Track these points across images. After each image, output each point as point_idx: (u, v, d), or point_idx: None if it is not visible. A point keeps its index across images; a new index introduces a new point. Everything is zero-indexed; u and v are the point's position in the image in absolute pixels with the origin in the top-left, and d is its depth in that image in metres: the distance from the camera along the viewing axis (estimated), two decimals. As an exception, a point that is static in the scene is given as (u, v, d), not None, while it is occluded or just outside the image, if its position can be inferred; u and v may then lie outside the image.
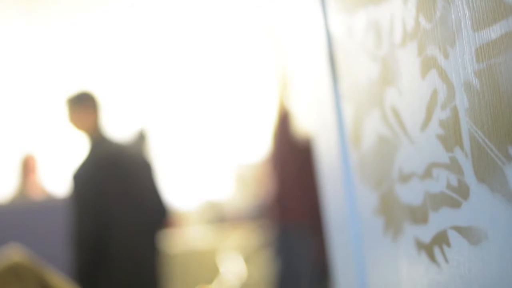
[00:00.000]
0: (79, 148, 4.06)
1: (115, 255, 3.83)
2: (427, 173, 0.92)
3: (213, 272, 5.01)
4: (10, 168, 6.27)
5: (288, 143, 4.11)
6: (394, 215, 1.05)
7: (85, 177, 3.85)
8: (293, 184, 4.11)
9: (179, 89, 7.54)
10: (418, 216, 0.97)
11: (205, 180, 7.05)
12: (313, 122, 1.33)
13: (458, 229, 0.86)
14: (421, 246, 0.97)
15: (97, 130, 3.96)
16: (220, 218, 6.25)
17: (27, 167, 5.92)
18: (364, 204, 1.15)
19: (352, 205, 1.19)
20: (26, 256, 2.93)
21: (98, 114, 3.97)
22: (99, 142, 3.93)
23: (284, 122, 4.15)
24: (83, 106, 3.95)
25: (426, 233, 0.95)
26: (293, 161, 4.11)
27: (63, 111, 3.99)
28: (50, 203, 5.00)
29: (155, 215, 4.09)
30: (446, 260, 0.91)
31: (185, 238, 5.77)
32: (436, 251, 0.93)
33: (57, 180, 6.14)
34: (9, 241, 3.77)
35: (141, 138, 4.07)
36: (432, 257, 0.94)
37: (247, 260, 4.91)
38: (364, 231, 1.17)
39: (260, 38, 6.80)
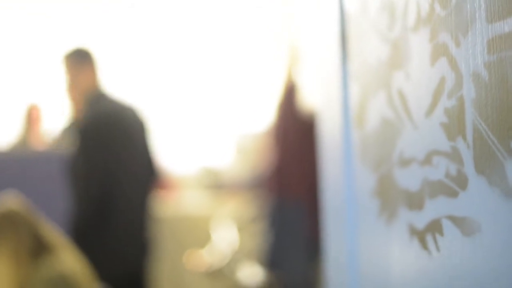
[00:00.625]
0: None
1: (112, 214, 3.84)
2: (427, 160, 0.92)
3: (205, 239, 5.03)
4: (14, 117, 6.27)
5: (292, 117, 4.11)
6: (390, 198, 1.05)
7: (88, 134, 3.85)
8: (293, 158, 4.11)
9: (186, 54, 7.51)
10: (414, 202, 0.97)
11: (205, 146, 7.05)
12: (318, 98, 1.32)
13: (452, 218, 0.86)
14: (414, 232, 0.97)
15: (96, 87, 3.94)
16: (217, 185, 6.25)
17: (31, 117, 5.92)
18: (361, 185, 1.15)
19: (350, 184, 1.19)
20: (22, 205, 2.94)
21: (96, 71, 3.96)
22: (99, 99, 3.92)
23: (290, 95, 4.14)
24: (81, 62, 3.94)
25: (420, 220, 0.95)
26: (296, 135, 4.10)
27: (61, 67, 3.96)
28: (51, 154, 5.01)
29: (147, 174, 4.10)
30: (438, 249, 0.91)
31: (180, 203, 5.78)
32: (429, 238, 0.93)
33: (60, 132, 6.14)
34: (8, 188, 3.79)
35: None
36: (424, 244, 0.95)
37: (240, 229, 4.92)
38: (359, 212, 1.17)
39: (271, 8, 6.77)
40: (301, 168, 4.08)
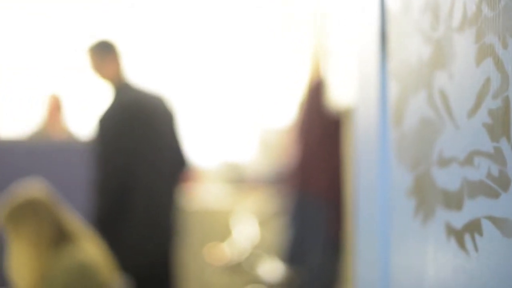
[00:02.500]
0: (105, 92, 4.08)
1: (133, 204, 3.86)
2: (468, 160, 0.92)
3: (226, 233, 5.03)
4: (35, 107, 6.29)
5: (316, 113, 4.10)
6: (427, 197, 1.05)
7: (109, 124, 3.88)
8: (316, 154, 4.11)
9: (210, 49, 7.51)
10: (453, 201, 0.97)
11: (228, 140, 7.04)
12: (356, 95, 1.32)
13: (493, 219, 0.86)
14: (451, 232, 0.97)
15: (120, 78, 3.98)
16: (239, 180, 6.25)
17: (52, 107, 5.94)
18: (397, 184, 1.15)
19: (385, 183, 1.19)
20: (45, 193, 2.96)
21: (120, 62, 4.00)
22: (123, 90, 3.96)
23: (315, 92, 4.13)
24: (105, 54, 3.97)
25: (459, 220, 0.95)
26: (320, 131, 4.10)
27: (86, 59, 4.00)
28: (72, 145, 5.03)
29: (174, 164, 4.11)
30: (476, 249, 0.91)
31: (202, 196, 5.79)
32: (467, 238, 0.93)
33: (82, 123, 6.17)
34: (29, 177, 3.81)
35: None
36: (461, 244, 0.94)
37: (261, 225, 4.92)
38: (393, 211, 1.17)
39: (298, 2, 6.74)
40: (324, 164, 4.07)
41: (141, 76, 4.21)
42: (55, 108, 5.96)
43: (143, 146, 3.91)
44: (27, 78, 7.18)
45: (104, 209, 3.81)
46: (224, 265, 4.51)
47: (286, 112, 5.83)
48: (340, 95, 3.64)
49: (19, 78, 6.80)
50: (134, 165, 3.86)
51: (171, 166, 4.08)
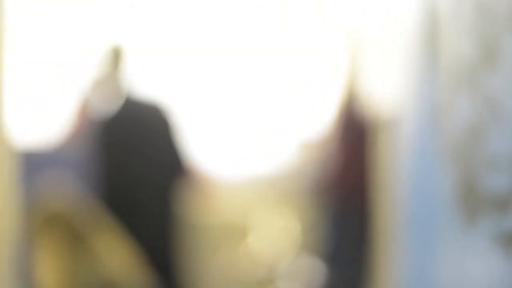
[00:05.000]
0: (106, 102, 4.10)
1: (130, 215, 3.88)
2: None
3: (251, 248, 5.02)
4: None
5: (353, 123, 4.10)
6: (474, 201, 1.03)
7: (109, 130, 3.94)
8: (355, 164, 4.09)
9: (245, 58, 7.44)
10: (502, 205, 0.94)
11: (257, 151, 6.98)
12: (401, 97, 1.31)
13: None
14: (499, 237, 0.95)
15: (125, 84, 4.01)
16: (272, 192, 6.20)
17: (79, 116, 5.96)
18: (441, 187, 1.13)
19: (429, 186, 1.17)
20: (65, 204, 2.96)
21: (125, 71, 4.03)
22: (129, 97, 3.98)
23: (351, 102, 4.13)
24: (123, 59, 4.00)
25: (508, 224, 0.93)
26: (356, 141, 4.09)
27: (106, 59, 4.00)
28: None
29: (169, 176, 4.10)
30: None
31: (228, 210, 5.74)
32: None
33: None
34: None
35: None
36: (508, 250, 0.92)
37: (297, 236, 4.93)
38: (437, 213, 1.15)
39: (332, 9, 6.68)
40: (362, 174, 4.04)
41: (165, 84, 4.22)
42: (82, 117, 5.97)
43: (129, 160, 3.94)
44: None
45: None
46: (247, 281, 4.52)
47: (319, 123, 5.78)
48: (379, 101, 3.62)
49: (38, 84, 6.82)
50: (120, 177, 3.91)
51: (167, 177, 4.07)
